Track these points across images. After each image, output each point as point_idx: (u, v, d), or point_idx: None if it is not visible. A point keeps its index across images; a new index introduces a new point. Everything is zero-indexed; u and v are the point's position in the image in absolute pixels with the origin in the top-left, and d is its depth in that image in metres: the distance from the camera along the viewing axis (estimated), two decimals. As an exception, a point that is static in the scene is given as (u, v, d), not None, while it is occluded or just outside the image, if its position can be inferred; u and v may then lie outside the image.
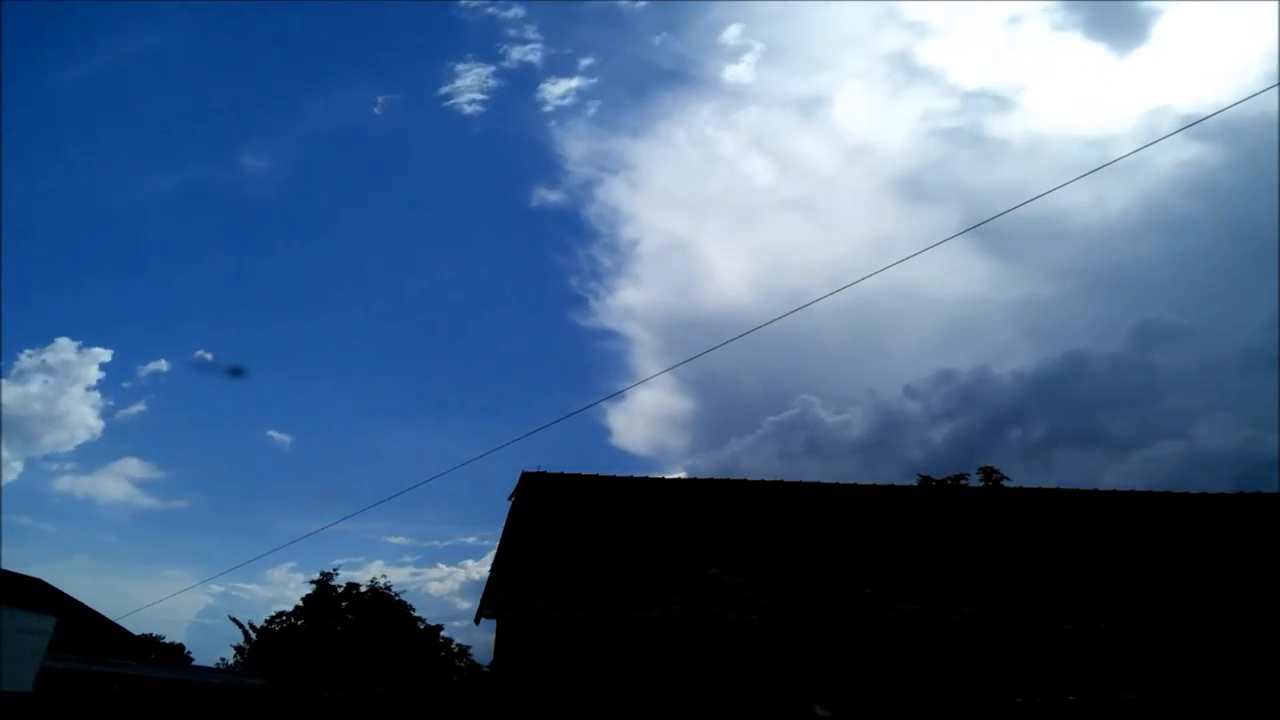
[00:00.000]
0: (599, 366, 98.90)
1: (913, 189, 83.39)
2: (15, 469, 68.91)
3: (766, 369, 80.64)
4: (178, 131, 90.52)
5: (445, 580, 67.45)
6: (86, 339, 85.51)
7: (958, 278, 78.04)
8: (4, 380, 71.01)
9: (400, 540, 77.86)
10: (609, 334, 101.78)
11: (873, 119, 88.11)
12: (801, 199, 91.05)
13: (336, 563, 64.03)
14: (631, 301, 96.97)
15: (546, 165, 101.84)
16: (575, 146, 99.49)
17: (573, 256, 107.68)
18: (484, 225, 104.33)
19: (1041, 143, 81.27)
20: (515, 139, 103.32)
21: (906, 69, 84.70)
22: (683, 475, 21.55)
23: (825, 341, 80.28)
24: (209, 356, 79.01)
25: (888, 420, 64.60)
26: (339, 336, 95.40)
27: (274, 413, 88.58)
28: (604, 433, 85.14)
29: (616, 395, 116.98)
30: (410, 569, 74.23)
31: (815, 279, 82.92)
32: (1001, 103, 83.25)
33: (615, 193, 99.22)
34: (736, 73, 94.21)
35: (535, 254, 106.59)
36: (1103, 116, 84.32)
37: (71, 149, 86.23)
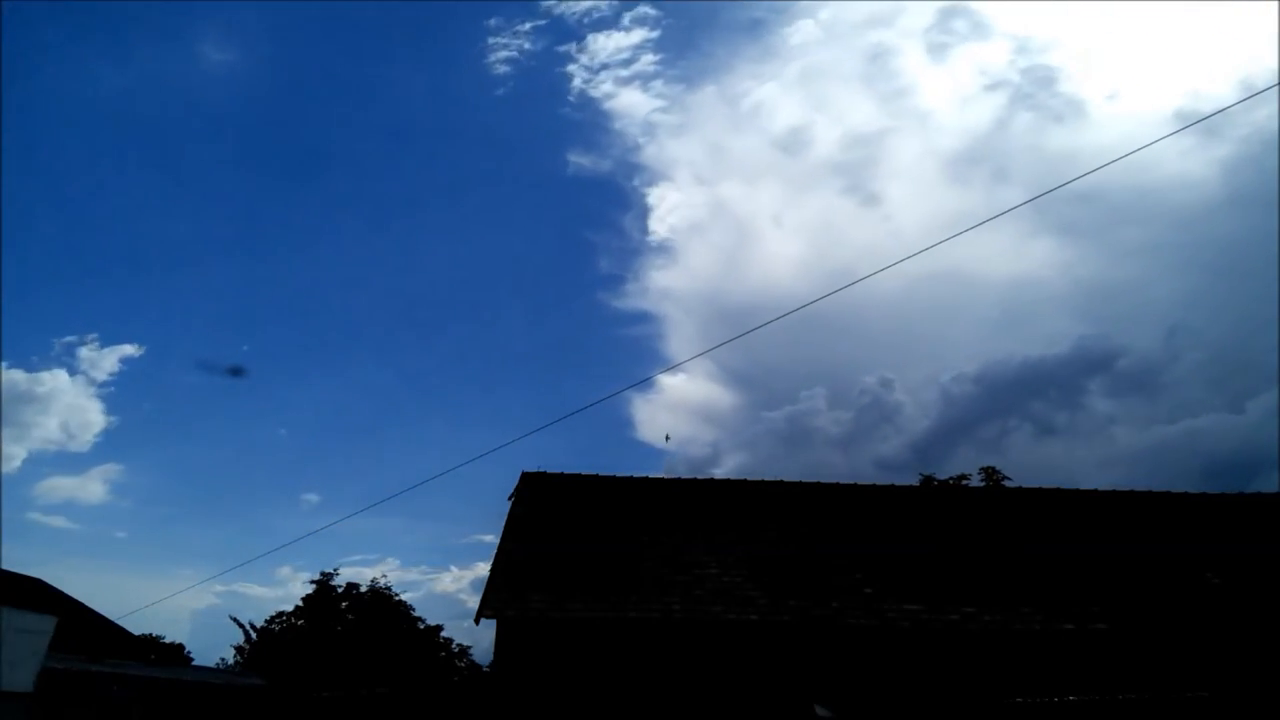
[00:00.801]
0: (628, 353, 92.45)
1: (978, 156, 77.61)
2: (17, 459, 69.03)
3: (809, 357, 75.89)
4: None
5: (458, 579, 67.37)
6: (86, 333, 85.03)
7: (1018, 258, 71.08)
8: (23, 371, 71.25)
9: (415, 538, 77.41)
10: (643, 317, 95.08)
11: (936, 78, 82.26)
12: (860, 167, 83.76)
13: (351, 559, 63.83)
14: (669, 281, 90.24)
15: (587, 129, 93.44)
16: (621, 108, 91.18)
17: (607, 230, 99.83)
18: (512, 193, 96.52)
19: (1125, 102, 74.00)
20: (552, 97, 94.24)
21: (971, 21, 79.58)
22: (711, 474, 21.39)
23: (872, 328, 74.30)
24: (240, 348, 78.08)
25: (869, 415, 63.94)
26: (346, 326, 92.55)
27: (286, 408, 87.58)
28: (627, 425, 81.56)
29: (642, 383, 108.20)
30: (424, 567, 73.85)
31: (869, 259, 78.25)
32: (1079, 57, 76.74)
33: (661, 160, 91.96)
34: (805, 30, 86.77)
35: (566, 227, 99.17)
36: (1199, 71, 76.58)
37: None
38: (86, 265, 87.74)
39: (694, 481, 20.08)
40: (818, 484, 19.43)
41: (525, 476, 18.68)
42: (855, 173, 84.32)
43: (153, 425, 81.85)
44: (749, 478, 19.70)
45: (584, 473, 19.29)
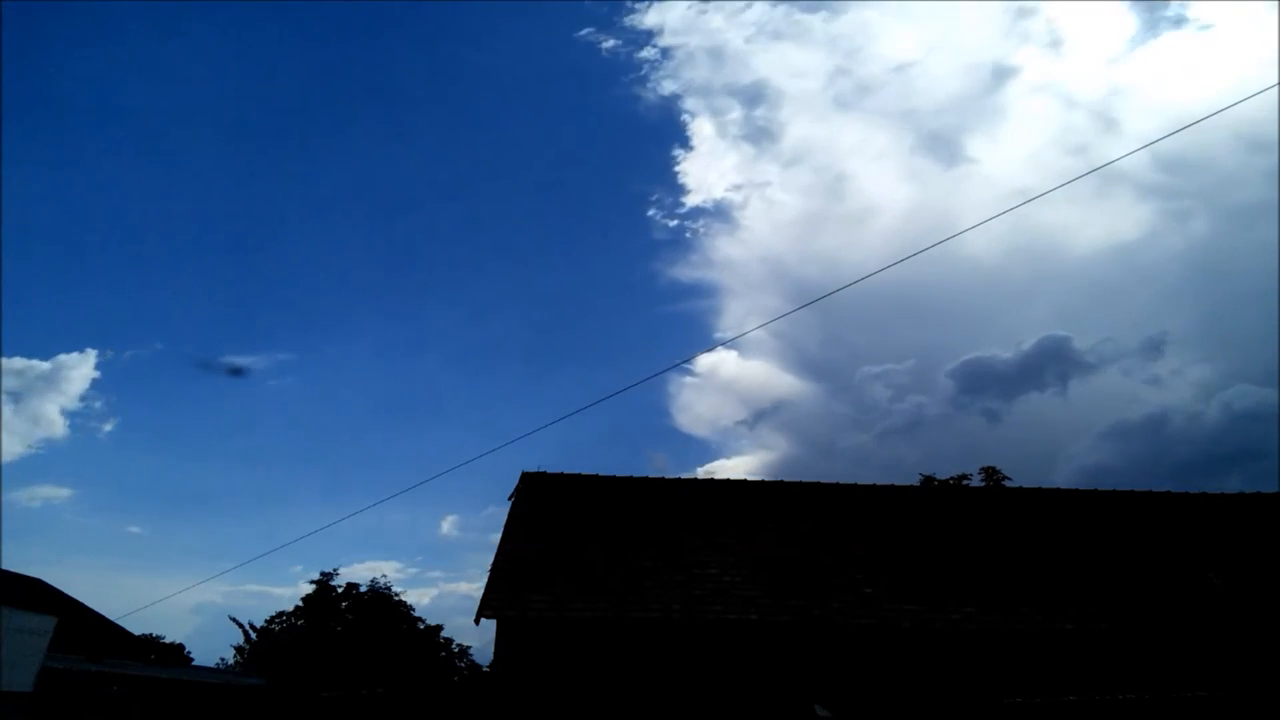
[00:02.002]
0: (678, 329, 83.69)
1: (1092, 103, 69.79)
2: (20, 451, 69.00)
3: (876, 341, 69.43)
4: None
5: (475, 578, 66.96)
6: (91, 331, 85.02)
7: (1111, 224, 64.67)
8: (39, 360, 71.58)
9: (440, 536, 76.58)
10: (699, 289, 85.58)
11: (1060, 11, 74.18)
12: (966, 119, 74.63)
13: (372, 558, 63.43)
14: (732, 252, 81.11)
15: (653, 62, 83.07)
16: (688, 42, 78.86)
17: (663, 186, 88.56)
18: (555, 134, 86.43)
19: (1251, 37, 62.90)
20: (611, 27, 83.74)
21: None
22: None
23: (942, 304, 67.77)
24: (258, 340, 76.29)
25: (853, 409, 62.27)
26: (368, 313, 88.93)
27: (311, 402, 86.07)
28: (663, 412, 77.56)
29: (677, 366, 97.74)
30: (442, 567, 72.96)
31: (963, 223, 71.15)
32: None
33: (732, 100, 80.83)
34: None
35: (620, 181, 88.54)
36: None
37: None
38: (86, 263, 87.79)
39: (694, 481, 20.08)
40: (817, 484, 19.43)
41: (525, 476, 18.69)
42: (957, 121, 74.59)
43: (158, 424, 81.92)
44: (747, 478, 19.72)
45: (584, 473, 19.30)
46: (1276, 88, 12.32)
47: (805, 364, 77.51)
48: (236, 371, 69.65)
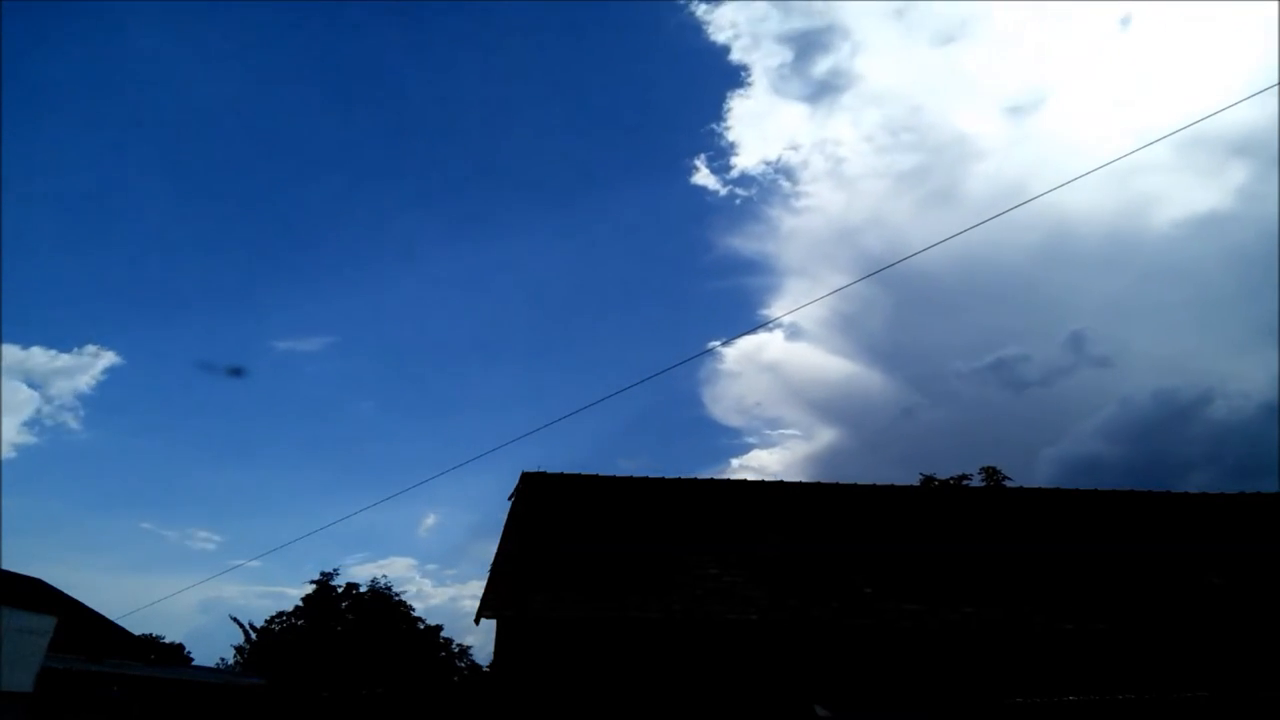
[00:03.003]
0: (719, 307, 76.71)
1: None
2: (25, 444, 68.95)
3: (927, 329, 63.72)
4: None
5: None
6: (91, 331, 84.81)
7: (1214, 191, 57.95)
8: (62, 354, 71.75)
9: (450, 534, 75.84)
10: (750, 262, 78.02)
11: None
12: (1067, 70, 67.59)
13: (385, 559, 62.97)
14: (787, 221, 73.62)
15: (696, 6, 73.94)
16: None
17: (711, 146, 79.97)
18: (590, 84, 78.58)
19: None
20: None
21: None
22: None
23: (999, 289, 61.78)
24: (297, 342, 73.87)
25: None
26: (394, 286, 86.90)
27: (334, 393, 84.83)
28: (696, 402, 72.43)
29: (703, 355, 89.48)
30: (458, 568, 72.38)
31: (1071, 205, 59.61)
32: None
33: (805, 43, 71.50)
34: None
35: (656, 141, 78.70)
36: None
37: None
38: (100, 256, 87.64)
39: (694, 481, 20.07)
40: (817, 484, 19.46)
41: (525, 476, 18.68)
42: (1056, 74, 66.28)
43: (169, 419, 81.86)
44: (747, 478, 19.73)
45: (584, 473, 19.30)
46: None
47: (861, 348, 72.25)
48: (236, 371, 70.19)
